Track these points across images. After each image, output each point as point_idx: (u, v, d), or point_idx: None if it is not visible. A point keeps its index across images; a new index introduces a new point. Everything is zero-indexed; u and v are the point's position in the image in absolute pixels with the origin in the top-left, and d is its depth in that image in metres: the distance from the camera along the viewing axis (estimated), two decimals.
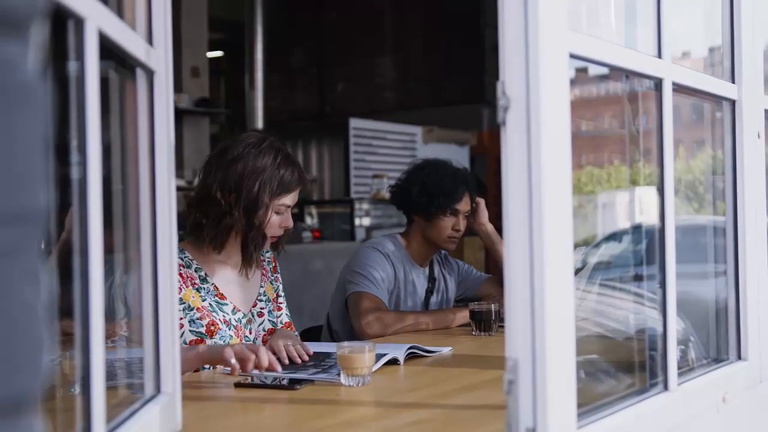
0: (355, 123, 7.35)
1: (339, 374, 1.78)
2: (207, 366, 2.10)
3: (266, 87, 7.86)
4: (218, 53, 9.55)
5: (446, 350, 2.23)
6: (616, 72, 1.46)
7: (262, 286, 2.32)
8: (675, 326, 1.42)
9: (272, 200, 2.16)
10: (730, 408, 1.60)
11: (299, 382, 1.79)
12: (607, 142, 1.95)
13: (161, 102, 1.26)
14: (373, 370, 1.82)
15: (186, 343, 2.08)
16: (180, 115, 6.71)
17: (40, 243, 0.63)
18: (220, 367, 2.00)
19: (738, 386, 1.65)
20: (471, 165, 7.07)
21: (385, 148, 7.46)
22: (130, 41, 1.12)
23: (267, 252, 2.36)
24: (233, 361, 1.83)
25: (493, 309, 2.52)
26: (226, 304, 2.19)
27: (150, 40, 1.24)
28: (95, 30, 0.92)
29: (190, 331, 2.10)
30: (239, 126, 8.14)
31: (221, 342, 2.12)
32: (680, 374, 1.44)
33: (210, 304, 2.16)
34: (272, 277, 2.38)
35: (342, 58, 9.20)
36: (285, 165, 2.18)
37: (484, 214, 2.94)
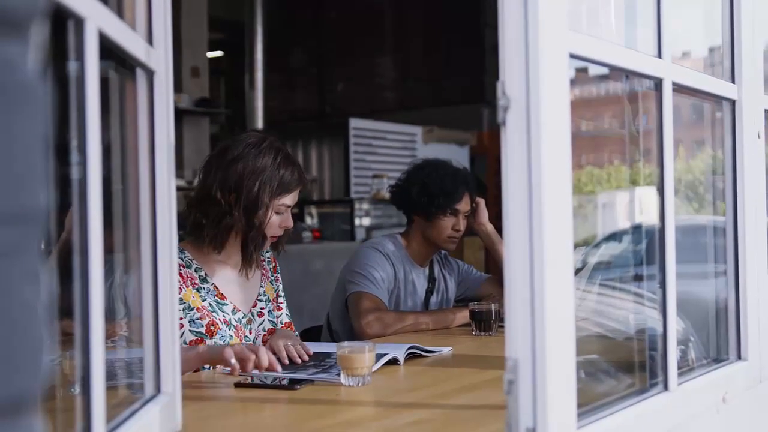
0: (355, 123, 7.35)
1: (339, 374, 1.78)
2: (207, 366, 2.10)
3: (266, 87, 7.86)
4: (218, 53, 9.55)
5: (446, 350, 2.23)
6: (616, 72, 1.46)
7: (262, 286, 2.32)
8: (675, 326, 1.42)
9: (272, 200, 2.16)
10: (730, 408, 1.60)
11: (299, 382, 1.79)
12: (607, 142, 1.95)
13: (161, 102, 1.26)
14: (373, 370, 1.82)
15: (186, 343, 2.08)
16: (180, 115, 6.72)
17: (40, 243, 0.63)
18: (220, 367, 2.00)
19: (738, 386, 1.65)
20: (471, 165, 7.07)
21: (385, 148, 7.46)
22: (130, 41, 1.12)
23: (267, 252, 2.36)
24: (233, 361, 1.83)
25: (493, 309, 2.52)
26: (226, 304, 2.19)
27: (150, 40, 1.24)
28: (95, 30, 0.92)
29: (190, 331, 2.10)
30: (239, 126, 8.14)
31: (221, 342, 2.12)
32: (680, 374, 1.44)
33: (210, 304, 2.16)
34: (272, 277, 2.38)
35: (342, 58, 9.20)
36: (285, 165, 2.18)
37: (484, 214, 2.94)
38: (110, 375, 0.99)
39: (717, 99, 1.70)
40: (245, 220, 2.15)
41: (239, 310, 2.22)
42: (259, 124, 7.73)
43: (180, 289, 2.10)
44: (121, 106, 1.25)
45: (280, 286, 2.40)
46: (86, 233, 0.91)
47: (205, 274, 2.19)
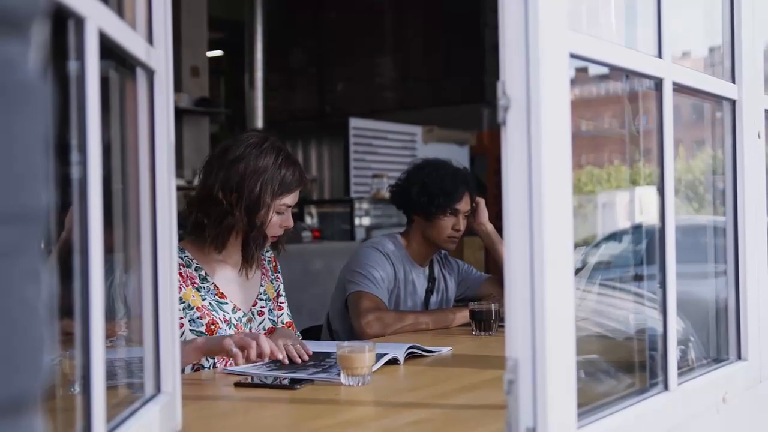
0: (355, 123, 7.35)
1: (339, 374, 1.78)
2: (207, 366, 2.10)
3: (266, 87, 7.86)
4: (218, 53, 9.55)
5: (446, 350, 2.23)
6: (616, 72, 1.46)
7: (262, 285, 2.33)
8: (675, 326, 1.42)
9: (273, 200, 2.17)
10: (730, 408, 1.60)
11: (299, 381, 1.79)
12: (607, 142, 1.95)
13: (161, 101, 1.26)
14: (373, 369, 1.82)
15: None
16: (180, 114, 6.72)
17: (40, 243, 0.63)
18: (220, 367, 2.00)
19: (738, 386, 1.65)
20: (471, 165, 7.07)
21: (385, 148, 7.46)
22: (131, 41, 1.12)
23: (267, 251, 2.37)
24: (235, 349, 1.83)
25: (493, 309, 2.52)
26: (226, 303, 2.20)
27: (150, 39, 1.24)
28: (95, 29, 0.92)
29: (191, 330, 2.10)
30: (239, 126, 8.15)
31: None
32: (680, 374, 1.44)
33: (210, 303, 2.16)
34: (272, 276, 2.38)
35: (342, 58, 9.20)
36: (286, 165, 2.19)
37: (484, 214, 2.94)
38: (110, 374, 0.99)
39: (717, 99, 1.70)
40: (246, 219, 2.15)
41: (239, 309, 2.22)
42: (259, 123, 7.74)
43: (180, 288, 2.10)
44: (121, 106, 1.25)
45: (281, 286, 2.41)
46: (86, 233, 0.91)
47: (205, 274, 2.19)
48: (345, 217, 6.79)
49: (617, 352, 1.74)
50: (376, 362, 1.88)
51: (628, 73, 1.50)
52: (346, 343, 1.83)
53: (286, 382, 1.80)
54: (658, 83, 1.41)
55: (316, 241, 6.20)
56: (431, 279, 2.95)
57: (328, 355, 2.05)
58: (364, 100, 8.91)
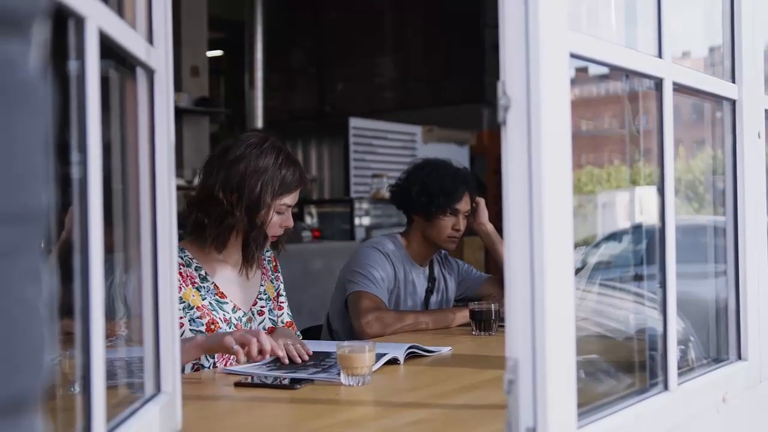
0: (355, 123, 7.35)
1: (339, 374, 1.78)
2: (207, 365, 2.10)
3: (266, 87, 7.86)
4: (218, 52, 9.55)
5: (446, 350, 2.23)
6: (616, 72, 1.46)
7: (262, 285, 2.33)
8: (675, 326, 1.42)
9: (274, 200, 2.17)
10: (730, 408, 1.60)
11: (299, 381, 1.79)
12: (607, 142, 1.95)
13: (161, 101, 1.26)
14: (373, 369, 1.82)
15: None
16: (180, 114, 6.71)
17: (40, 243, 0.63)
18: (220, 367, 2.00)
19: (738, 386, 1.65)
20: (471, 165, 7.07)
21: (385, 148, 7.46)
22: (131, 40, 1.12)
23: (267, 251, 2.37)
24: (236, 346, 1.83)
25: (493, 309, 2.52)
26: (227, 303, 2.20)
27: (150, 39, 1.24)
28: (96, 29, 0.92)
29: (190, 330, 2.10)
30: (239, 125, 8.15)
31: None
32: (680, 374, 1.44)
33: (210, 302, 2.16)
34: (273, 276, 2.38)
35: (342, 58, 9.20)
36: (286, 165, 2.19)
37: (484, 214, 2.94)
38: (110, 374, 0.99)
39: (717, 99, 1.70)
40: (247, 219, 2.15)
41: (239, 309, 2.22)
42: (259, 123, 7.74)
43: (180, 288, 2.10)
44: (121, 105, 1.25)
45: (281, 286, 2.41)
46: (86, 232, 0.91)
47: (205, 273, 2.19)
48: (345, 217, 6.79)
49: (617, 352, 1.74)
50: (376, 362, 1.88)
51: (628, 73, 1.50)
52: (346, 343, 1.83)
53: (286, 382, 1.80)
54: (658, 83, 1.41)
55: (316, 241, 6.20)
56: (431, 279, 2.95)
57: (328, 355, 2.05)
58: (364, 100, 8.91)
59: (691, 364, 1.64)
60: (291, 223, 2.24)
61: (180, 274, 2.12)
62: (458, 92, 8.33)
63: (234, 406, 1.71)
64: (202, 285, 2.17)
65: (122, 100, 1.25)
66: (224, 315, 2.17)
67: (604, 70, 1.39)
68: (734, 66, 1.70)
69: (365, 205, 6.81)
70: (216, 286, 2.20)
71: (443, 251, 2.99)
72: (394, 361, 2.01)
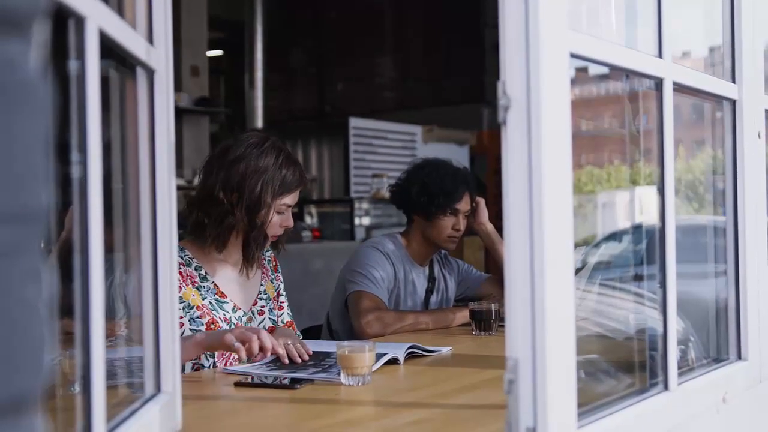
0: (355, 123, 7.35)
1: (339, 374, 1.78)
2: (207, 365, 2.10)
3: (266, 87, 7.86)
4: (218, 52, 9.55)
5: (446, 350, 2.23)
6: (617, 72, 1.46)
7: (262, 285, 2.33)
8: (675, 326, 1.42)
9: (274, 200, 2.17)
10: (730, 408, 1.60)
11: (299, 381, 1.79)
12: (607, 142, 1.95)
13: (161, 101, 1.26)
14: (373, 369, 1.82)
15: None
16: (180, 114, 6.71)
17: (40, 243, 0.63)
18: (220, 367, 2.00)
19: (738, 386, 1.65)
20: (471, 165, 7.07)
21: (385, 148, 7.46)
22: (131, 40, 1.12)
23: (267, 251, 2.37)
24: (237, 344, 1.83)
25: (493, 309, 2.52)
26: (227, 303, 2.20)
27: (150, 39, 1.24)
28: (96, 29, 0.92)
29: (190, 329, 2.10)
30: (239, 125, 8.15)
31: None
32: (680, 374, 1.44)
33: (210, 302, 2.16)
34: (273, 276, 2.38)
35: (342, 58, 9.20)
36: (287, 165, 2.19)
37: (484, 214, 2.94)
38: (110, 374, 0.99)
39: (717, 99, 1.70)
40: (247, 219, 2.15)
41: (239, 309, 2.22)
42: (259, 123, 7.74)
43: (180, 287, 2.10)
44: (121, 105, 1.25)
45: (282, 285, 2.41)
46: (86, 232, 0.91)
47: (205, 273, 2.19)
48: (345, 216, 6.79)
49: (617, 352, 1.74)
50: (376, 362, 1.88)
51: (628, 73, 1.50)
52: (346, 343, 1.83)
53: (286, 381, 1.80)
54: (659, 83, 1.41)
55: (316, 240, 6.20)
56: (431, 279, 2.95)
57: (328, 354, 2.05)
58: (364, 100, 8.91)
59: (691, 364, 1.64)
60: (291, 223, 2.24)
61: (180, 273, 2.12)
62: (458, 92, 8.33)
63: (234, 405, 1.71)
64: (202, 285, 2.17)
65: (122, 100, 1.25)
66: (224, 315, 2.17)
67: (604, 69, 1.39)
68: (734, 66, 1.70)
69: (365, 205, 6.81)
70: (216, 286, 2.20)
71: (443, 251, 2.99)
72: (394, 361, 2.01)
